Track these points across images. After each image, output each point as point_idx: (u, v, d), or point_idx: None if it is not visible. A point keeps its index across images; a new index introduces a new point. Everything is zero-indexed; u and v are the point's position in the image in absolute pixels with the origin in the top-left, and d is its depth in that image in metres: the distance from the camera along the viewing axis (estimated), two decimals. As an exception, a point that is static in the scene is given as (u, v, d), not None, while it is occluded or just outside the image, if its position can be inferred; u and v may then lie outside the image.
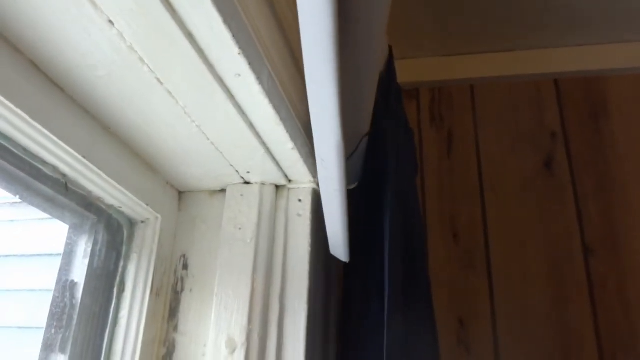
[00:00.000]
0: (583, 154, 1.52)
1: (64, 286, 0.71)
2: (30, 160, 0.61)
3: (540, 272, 1.43)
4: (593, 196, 1.49)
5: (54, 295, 0.70)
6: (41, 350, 0.68)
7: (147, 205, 0.75)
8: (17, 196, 0.62)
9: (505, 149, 1.57)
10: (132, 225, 0.78)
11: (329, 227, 0.72)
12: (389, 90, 0.81)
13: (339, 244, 0.73)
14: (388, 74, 0.82)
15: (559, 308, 1.40)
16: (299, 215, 0.80)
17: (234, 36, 0.51)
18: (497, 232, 1.50)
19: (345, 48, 0.56)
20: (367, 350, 0.83)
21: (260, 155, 0.72)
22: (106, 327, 0.72)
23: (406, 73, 1.61)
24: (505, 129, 1.58)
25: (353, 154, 0.80)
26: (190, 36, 0.51)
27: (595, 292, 1.40)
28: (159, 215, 0.78)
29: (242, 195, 0.80)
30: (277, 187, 0.82)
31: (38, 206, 0.68)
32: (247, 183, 0.81)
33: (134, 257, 0.76)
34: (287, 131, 0.67)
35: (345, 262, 0.90)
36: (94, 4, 0.48)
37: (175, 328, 0.77)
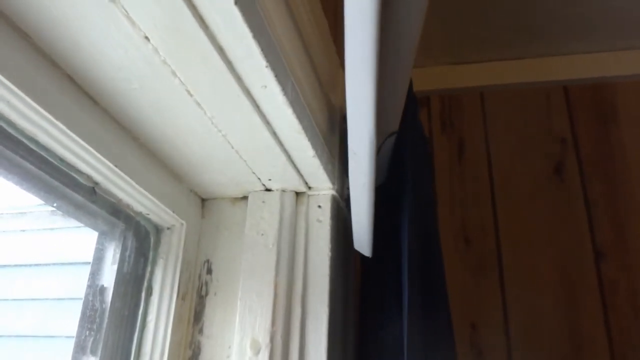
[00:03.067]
0: (593, 160, 1.54)
1: (94, 291, 0.74)
2: (67, 170, 0.64)
3: (551, 277, 1.45)
4: (603, 201, 1.50)
5: (84, 299, 0.73)
6: (73, 353, 0.70)
7: (173, 212, 0.78)
8: (55, 205, 0.65)
9: (516, 156, 1.59)
10: (158, 232, 0.80)
11: (356, 221, 0.75)
12: (408, 98, 0.84)
13: (364, 239, 0.76)
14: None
15: (571, 312, 1.41)
16: (319, 221, 0.83)
17: (262, 50, 0.54)
18: (509, 237, 1.52)
19: (384, 47, 0.59)
20: (385, 353, 0.85)
21: (282, 162, 0.75)
22: (135, 330, 0.75)
23: (417, 81, 1.63)
24: (515, 136, 1.60)
25: (378, 152, 0.82)
26: (221, 50, 0.54)
27: (606, 296, 1.41)
28: (183, 222, 0.81)
29: (263, 202, 0.83)
30: (297, 193, 0.85)
31: (71, 214, 0.71)
32: (268, 190, 0.84)
33: (160, 263, 0.79)
34: (309, 139, 0.69)
35: (362, 267, 0.92)
36: (132, 22, 0.51)
37: (201, 331, 0.79)
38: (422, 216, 0.87)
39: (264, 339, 0.75)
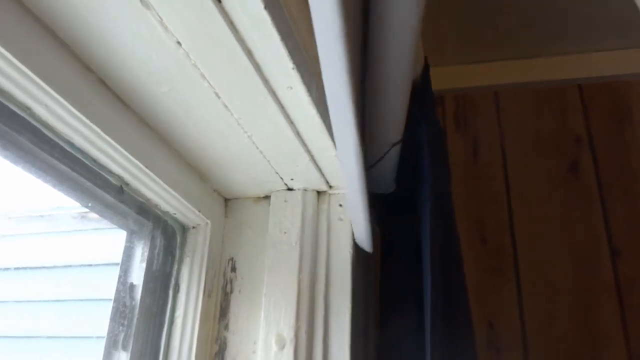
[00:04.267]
0: (608, 158, 1.55)
1: (125, 288, 0.76)
2: (99, 171, 0.66)
3: (568, 275, 1.45)
4: (619, 199, 1.51)
5: (115, 296, 0.75)
6: (105, 347, 0.73)
7: (199, 211, 0.80)
8: (89, 205, 0.67)
9: (531, 154, 1.60)
10: (184, 231, 0.83)
11: (353, 219, 0.77)
12: (425, 98, 0.86)
13: (362, 236, 0.78)
14: (423, 83, 0.86)
15: (587, 310, 1.42)
16: (340, 219, 0.85)
17: (289, 53, 0.56)
18: (525, 236, 1.52)
19: (374, 61, 0.61)
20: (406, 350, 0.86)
21: (305, 162, 0.77)
22: (164, 326, 0.77)
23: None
24: (530, 135, 1.61)
25: (379, 162, 0.83)
26: (249, 53, 0.56)
27: (623, 294, 1.41)
28: (208, 221, 0.83)
29: (285, 201, 0.85)
30: (319, 192, 0.87)
31: (102, 214, 0.73)
32: (290, 189, 0.86)
33: (187, 261, 0.81)
34: (331, 139, 0.71)
35: (382, 266, 0.94)
36: (165, 27, 0.53)
37: (226, 327, 0.82)
38: (442, 215, 0.88)
39: (288, 334, 0.77)
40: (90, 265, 2.54)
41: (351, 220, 0.80)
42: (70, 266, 2.60)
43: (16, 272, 2.67)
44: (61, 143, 0.61)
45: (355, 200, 0.69)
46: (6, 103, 0.54)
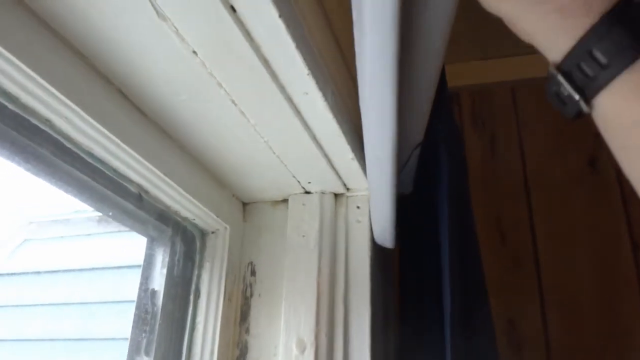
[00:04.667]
0: (628, 151, 1.52)
1: (146, 294, 0.77)
2: (119, 180, 0.67)
3: (589, 270, 1.44)
4: (640, 192, 1.48)
5: (137, 302, 0.76)
6: (128, 353, 0.74)
7: (217, 216, 0.81)
8: (110, 214, 0.68)
9: (549, 149, 1.58)
10: (203, 236, 0.83)
11: (375, 217, 0.76)
12: (441, 96, 0.85)
13: (385, 233, 0.78)
14: (441, 81, 0.86)
15: (610, 305, 1.41)
16: (358, 221, 0.85)
17: (304, 59, 0.56)
18: (544, 232, 1.51)
19: (405, 65, 0.60)
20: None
21: (322, 166, 0.77)
22: (185, 331, 0.78)
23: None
24: (548, 130, 1.59)
25: (405, 166, 0.84)
26: (265, 61, 0.56)
27: (646, 288, 1.40)
28: (227, 226, 0.83)
29: (303, 204, 0.85)
30: (336, 195, 0.87)
31: (122, 222, 0.74)
32: (307, 193, 0.86)
33: (207, 266, 0.82)
34: (348, 143, 0.71)
35: (401, 264, 0.94)
36: (181, 38, 0.54)
37: (247, 331, 0.82)
38: (461, 217, 0.88)
39: (309, 338, 0.77)
40: (111, 267, 2.57)
41: (372, 218, 0.80)
42: (92, 269, 2.63)
43: (40, 275, 2.72)
44: (81, 154, 0.62)
45: (382, 199, 0.69)
46: (27, 117, 0.55)
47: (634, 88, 0.38)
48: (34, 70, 0.51)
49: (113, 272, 2.52)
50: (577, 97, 0.41)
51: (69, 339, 2.49)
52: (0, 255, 3.04)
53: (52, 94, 0.54)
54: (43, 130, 0.57)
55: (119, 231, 2.58)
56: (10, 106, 0.53)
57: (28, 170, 0.58)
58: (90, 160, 0.63)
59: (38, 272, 2.78)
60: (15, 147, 0.56)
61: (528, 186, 1.56)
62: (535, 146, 1.59)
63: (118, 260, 2.52)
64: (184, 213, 0.78)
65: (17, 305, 2.76)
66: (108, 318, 2.42)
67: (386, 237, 0.80)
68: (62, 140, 0.59)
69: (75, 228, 3.01)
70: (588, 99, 0.41)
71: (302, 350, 0.77)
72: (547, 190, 1.54)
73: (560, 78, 0.42)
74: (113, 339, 2.36)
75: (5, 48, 0.47)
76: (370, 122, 0.59)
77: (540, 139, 1.60)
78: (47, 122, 0.57)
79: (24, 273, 2.89)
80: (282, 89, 0.61)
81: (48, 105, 0.55)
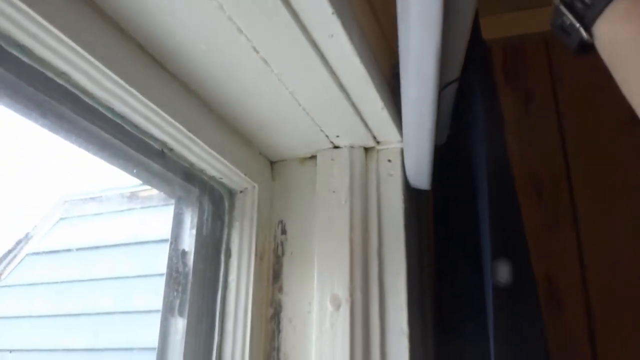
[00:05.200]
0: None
1: (176, 255, 0.76)
2: (141, 137, 0.65)
3: (629, 225, 1.39)
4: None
5: (168, 262, 0.75)
6: (162, 313, 0.73)
7: (245, 175, 0.79)
8: (134, 171, 0.67)
9: (586, 104, 1.52)
10: (232, 195, 0.81)
11: (410, 152, 0.73)
12: (477, 42, 0.81)
13: (421, 168, 0.75)
14: (475, 27, 0.81)
15: (653, 259, 1.35)
16: (390, 175, 0.82)
17: (327, -4, 0.53)
18: (583, 189, 1.46)
19: None
20: (464, 308, 0.84)
21: (350, 117, 0.74)
22: (218, 291, 0.77)
23: (476, 32, 1.58)
24: (584, 84, 1.53)
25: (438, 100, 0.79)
26: (286, 1, 0.53)
27: (690, 243, 1.34)
28: (255, 185, 0.81)
29: (332, 159, 0.83)
30: (366, 149, 0.84)
31: (147, 181, 0.73)
32: (336, 147, 0.83)
33: (236, 225, 0.80)
34: (377, 90, 0.68)
35: (436, 217, 0.91)
36: (197, -22, 0.51)
37: (280, 289, 0.81)
38: (499, 169, 0.84)
39: (343, 294, 0.75)
40: (146, 242, 2.60)
41: (408, 164, 0.76)
42: (127, 244, 2.68)
43: (76, 252, 2.77)
44: (101, 109, 0.60)
45: (422, 139, 0.66)
46: (43, 70, 0.53)
47: (625, 10, 0.42)
48: (47, 20, 0.49)
49: (148, 246, 2.55)
50: (577, 24, 0.45)
51: (108, 313, 2.54)
52: (37, 234, 3.11)
53: (68, 45, 0.52)
54: (60, 85, 0.55)
55: (151, 206, 2.60)
56: (25, 59, 0.51)
57: (45, 126, 0.56)
58: (110, 115, 0.61)
59: (74, 249, 2.83)
60: (31, 103, 0.54)
61: (565, 142, 1.51)
62: (571, 101, 1.53)
63: (152, 234, 2.54)
64: (211, 171, 0.76)
65: (55, 282, 2.82)
66: (145, 291, 2.45)
67: (423, 180, 0.77)
68: (80, 94, 0.57)
69: (108, 205, 3.05)
70: (588, 26, 0.45)
71: (337, 306, 0.75)
72: (585, 147, 1.48)
73: (563, 8, 0.46)
74: (151, 311, 2.39)
75: (15, -5, 0.45)
76: (410, 53, 0.56)
77: (577, 93, 1.53)
78: (64, 75, 0.55)
79: (61, 251, 2.94)
80: (305, 31, 0.58)
81: (64, 57, 0.53)
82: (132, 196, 2.83)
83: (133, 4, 0.55)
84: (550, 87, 1.56)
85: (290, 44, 0.59)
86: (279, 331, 0.79)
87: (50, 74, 0.54)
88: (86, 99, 0.58)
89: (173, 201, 0.78)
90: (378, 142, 0.83)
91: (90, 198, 3.09)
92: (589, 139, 1.48)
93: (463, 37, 0.63)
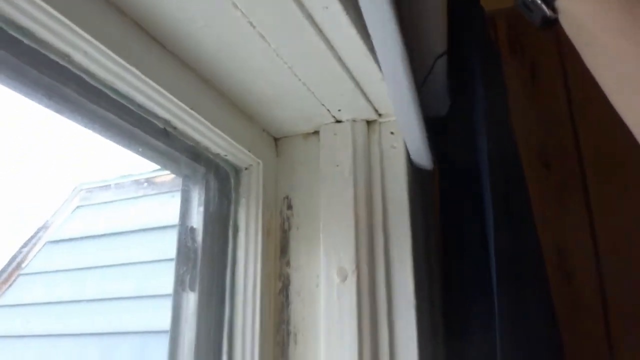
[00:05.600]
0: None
1: (185, 231, 0.77)
2: (145, 116, 0.67)
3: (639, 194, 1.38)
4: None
5: (178, 238, 0.77)
6: (174, 288, 0.75)
7: (249, 151, 0.80)
8: (139, 150, 0.68)
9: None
10: (237, 172, 0.83)
11: (407, 137, 0.74)
12: (473, 9, 0.81)
13: (419, 148, 0.75)
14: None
15: (666, 227, 1.35)
16: (393, 147, 0.83)
17: (319, -32, 0.53)
18: (592, 159, 1.45)
19: None
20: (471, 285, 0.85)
21: (351, 90, 0.75)
22: (226, 266, 0.79)
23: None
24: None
25: (428, 77, 0.79)
26: (278, -26, 0.54)
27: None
28: (260, 161, 0.83)
29: (335, 134, 0.83)
30: (368, 122, 0.84)
31: (153, 159, 0.74)
32: (338, 121, 0.84)
33: (242, 202, 0.81)
34: (375, 61, 0.69)
35: (441, 187, 0.91)
36: (190, -45, 0.52)
37: (288, 263, 0.82)
38: (501, 139, 0.84)
39: (350, 266, 0.77)
40: (162, 227, 2.64)
41: (405, 138, 0.77)
42: (143, 230, 2.71)
43: (94, 239, 2.82)
44: (105, 90, 0.61)
45: (407, 114, 0.67)
46: (45, 52, 0.54)
47: None
48: (48, 3, 0.50)
49: (164, 231, 2.60)
50: (539, 1, 0.45)
51: (128, 297, 2.60)
52: (55, 223, 3.18)
53: (67, 26, 0.53)
54: (63, 67, 0.57)
55: (166, 192, 2.65)
56: (26, 41, 0.52)
57: (51, 107, 0.58)
58: (114, 96, 0.62)
59: (92, 236, 2.90)
60: (36, 85, 0.56)
61: (573, 112, 1.50)
62: (579, 71, 1.51)
63: (167, 219, 2.59)
64: (215, 149, 0.77)
65: (74, 269, 2.89)
66: (162, 276, 2.51)
67: (422, 157, 0.78)
68: (83, 76, 0.58)
69: (124, 192, 3.11)
70: (550, 2, 0.45)
71: (344, 278, 0.76)
72: (593, 116, 1.47)
73: None
74: (168, 295, 2.43)
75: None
76: (376, 30, 0.56)
77: (585, 65, 1.51)
78: (66, 57, 0.56)
79: (79, 238, 3.01)
80: (300, 5, 0.58)
81: (65, 39, 0.54)
82: (147, 182, 2.87)
83: (129, -16, 0.56)
84: (557, 57, 1.55)
85: (285, 18, 0.60)
86: (288, 304, 0.81)
87: (52, 56, 0.55)
88: (90, 80, 0.59)
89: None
90: (380, 115, 0.83)
91: (106, 186, 3.14)
92: (597, 107, 1.47)
93: (437, 11, 0.63)
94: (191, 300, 0.74)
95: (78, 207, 3.18)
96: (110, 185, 3.20)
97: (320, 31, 0.63)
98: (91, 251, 2.93)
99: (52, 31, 0.53)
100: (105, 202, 3.07)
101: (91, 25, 0.55)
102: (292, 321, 0.80)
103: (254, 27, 0.62)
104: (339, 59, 0.68)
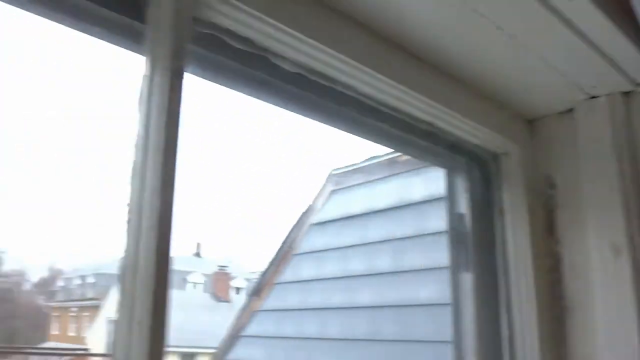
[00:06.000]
0: None
1: (454, 218, 0.86)
2: (413, 122, 0.77)
3: None
4: None
5: (449, 226, 0.86)
6: (451, 270, 0.85)
7: (505, 137, 0.85)
8: (408, 150, 0.79)
9: None
10: (496, 158, 0.88)
11: None
12: None
13: None
14: None
15: None
16: (657, 113, 0.80)
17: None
18: None
19: None
20: None
21: (603, 67, 0.75)
22: (495, 247, 0.85)
23: None
24: None
25: None
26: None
27: None
28: (516, 145, 0.87)
29: (590, 109, 0.84)
30: (625, 93, 0.83)
31: (420, 157, 0.85)
32: (593, 97, 0.84)
33: (504, 186, 0.87)
34: (627, 37, 0.69)
35: None
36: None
37: (556, 241, 0.86)
38: None
39: (622, 242, 0.77)
40: (409, 204, 2.80)
41: None
42: (393, 208, 2.91)
43: (352, 220, 3.11)
44: (379, 107, 0.73)
45: None
46: (336, 87, 0.68)
47: None
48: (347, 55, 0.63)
49: (412, 208, 2.75)
50: None
51: (386, 273, 2.82)
52: (315, 207, 3.57)
53: (350, 64, 0.65)
54: (348, 95, 0.69)
55: (411, 170, 2.79)
56: (312, 77, 0.66)
57: (337, 127, 0.72)
58: (385, 109, 0.73)
59: (350, 217, 3.19)
60: (326, 113, 0.70)
61: None
62: None
63: (415, 196, 2.74)
64: (473, 140, 0.84)
65: (337, 248, 3.22)
66: (418, 251, 2.67)
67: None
68: (363, 99, 0.71)
69: (370, 174, 3.34)
70: None
71: (617, 253, 0.78)
72: None
73: None
74: (423, 269, 2.59)
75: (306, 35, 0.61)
76: None
77: None
78: (351, 88, 0.69)
79: (337, 219, 3.34)
80: (544, 2, 0.63)
81: (350, 75, 0.67)
82: (391, 162, 3.06)
83: (389, 14, 0.66)
84: None
85: (532, 18, 0.65)
86: (561, 280, 0.84)
87: (340, 88, 0.68)
88: (367, 101, 0.71)
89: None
90: (637, 84, 0.81)
91: (355, 170, 3.42)
92: None
93: None
94: (468, 280, 0.83)
95: (332, 191, 3.51)
96: (358, 168, 3.47)
97: (566, 22, 0.66)
98: (350, 231, 3.23)
99: (336, 69, 0.66)
100: (355, 185, 3.34)
101: (369, 60, 0.67)
102: (567, 295, 0.83)
103: (502, 29, 0.68)
104: (590, 43, 0.70)
